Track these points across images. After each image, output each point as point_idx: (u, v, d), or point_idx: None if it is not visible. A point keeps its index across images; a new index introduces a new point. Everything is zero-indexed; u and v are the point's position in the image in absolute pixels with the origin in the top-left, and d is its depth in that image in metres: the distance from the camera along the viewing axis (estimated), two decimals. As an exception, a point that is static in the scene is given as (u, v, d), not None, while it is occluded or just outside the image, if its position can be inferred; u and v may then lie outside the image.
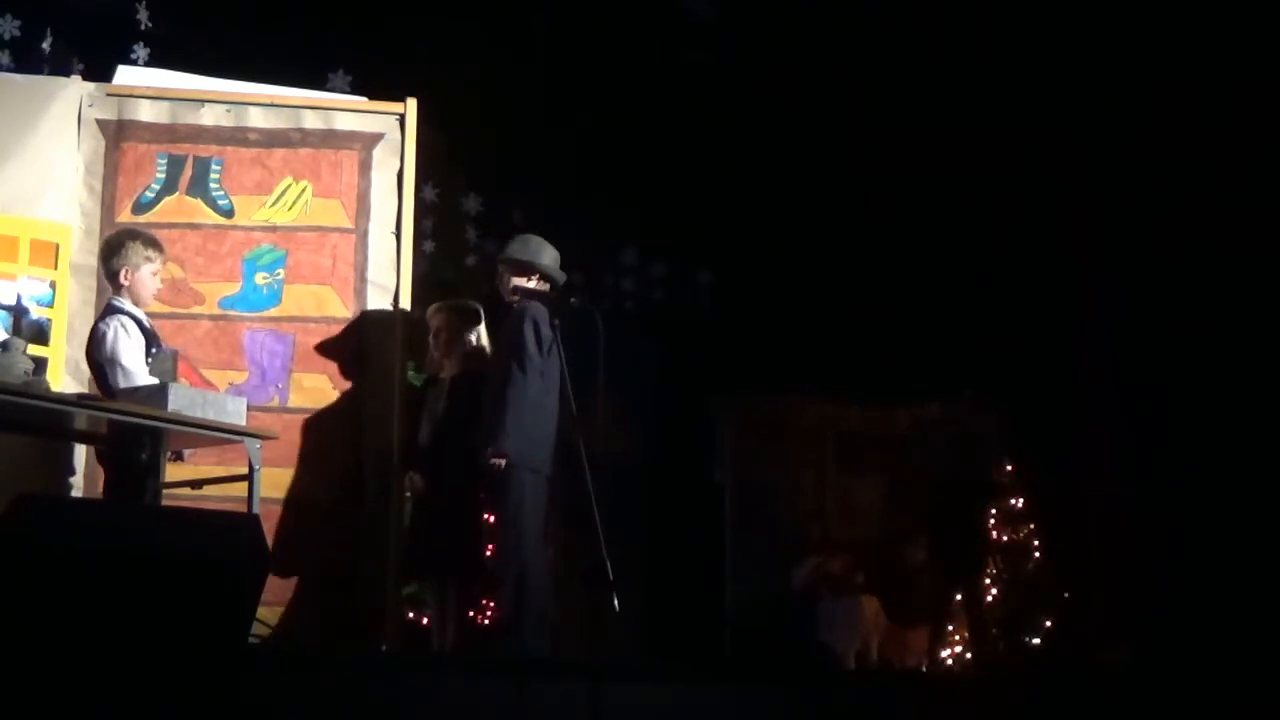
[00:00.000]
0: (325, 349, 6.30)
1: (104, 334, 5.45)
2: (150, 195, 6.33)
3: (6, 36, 7.13)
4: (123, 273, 5.55)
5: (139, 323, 5.51)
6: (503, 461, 5.91)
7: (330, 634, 5.96)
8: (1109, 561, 8.57)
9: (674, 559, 9.03)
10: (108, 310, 5.56)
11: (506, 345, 6.14)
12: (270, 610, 5.66)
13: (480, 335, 6.58)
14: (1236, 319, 8.29)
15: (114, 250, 5.60)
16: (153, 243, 5.65)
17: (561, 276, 6.31)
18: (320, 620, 5.98)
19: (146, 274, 5.58)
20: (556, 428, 6.12)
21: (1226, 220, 8.38)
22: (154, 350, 5.48)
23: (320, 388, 6.28)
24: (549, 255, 6.28)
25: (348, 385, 6.29)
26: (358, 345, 6.33)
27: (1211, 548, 8.08)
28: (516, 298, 6.22)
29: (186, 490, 5.70)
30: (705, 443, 9.59)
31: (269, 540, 4.42)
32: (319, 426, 6.22)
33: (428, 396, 6.56)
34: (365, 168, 6.48)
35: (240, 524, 4.61)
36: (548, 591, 6.09)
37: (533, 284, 6.23)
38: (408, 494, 6.41)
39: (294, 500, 6.11)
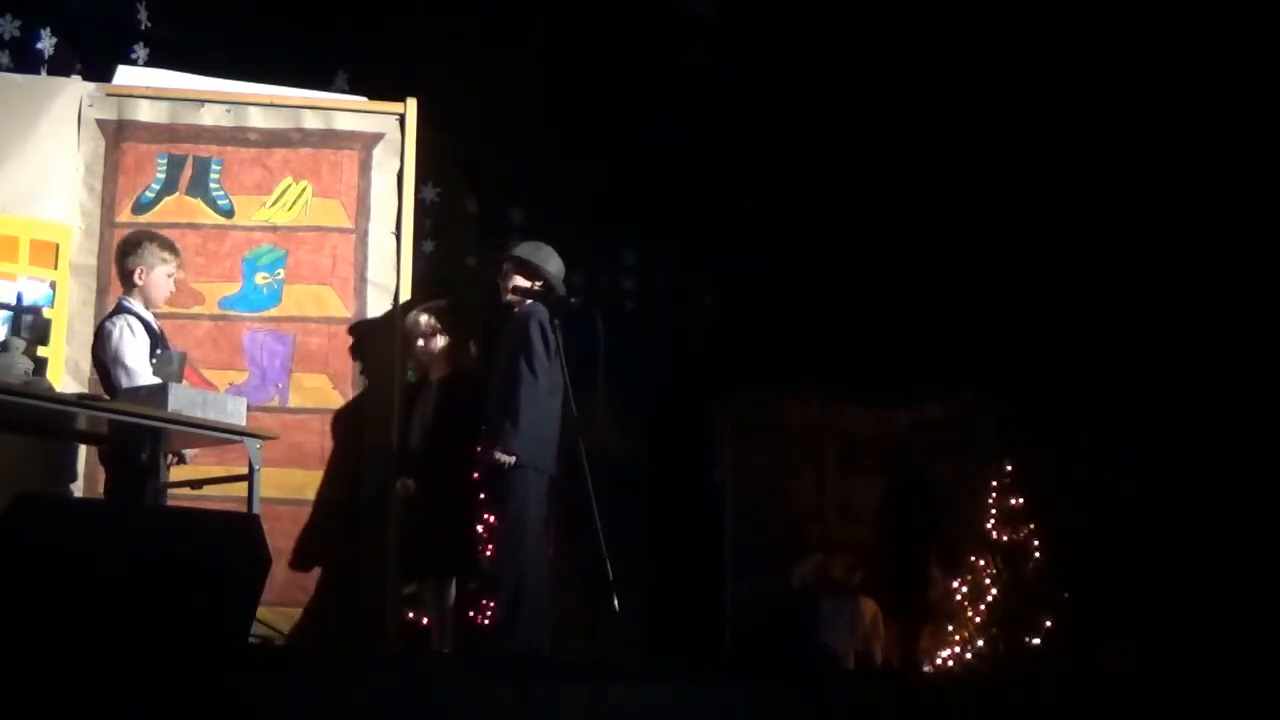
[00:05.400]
0: (325, 349, 6.30)
1: (110, 332, 5.45)
2: (150, 195, 6.33)
3: (6, 36, 7.13)
4: (137, 272, 5.55)
5: (146, 324, 5.52)
6: (512, 460, 5.92)
7: (330, 634, 5.96)
8: (1109, 561, 8.57)
9: (674, 559, 9.02)
10: (117, 309, 5.57)
11: (513, 346, 6.13)
12: (270, 610, 5.66)
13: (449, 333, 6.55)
14: (1236, 318, 8.29)
15: (130, 249, 5.60)
16: (169, 245, 5.66)
17: (562, 290, 6.29)
18: (320, 620, 5.98)
19: (161, 275, 5.59)
20: (560, 428, 6.13)
21: (1226, 219, 8.39)
22: (159, 351, 5.48)
23: (320, 388, 6.28)
24: (556, 265, 6.28)
25: (348, 385, 6.29)
26: (358, 345, 6.33)
27: (1211, 547, 8.08)
28: (517, 298, 6.22)
29: (186, 490, 5.70)
30: (705, 443, 9.59)
31: (268, 540, 4.41)
32: (319, 426, 6.22)
33: (418, 399, 6.55)
34: (365, 168, 6.48)
35: (240, 524, 4.62)
36: (547, 591, 6.10)
37: (531, 287, 6.22)
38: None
39: (294, 500, 6.11)
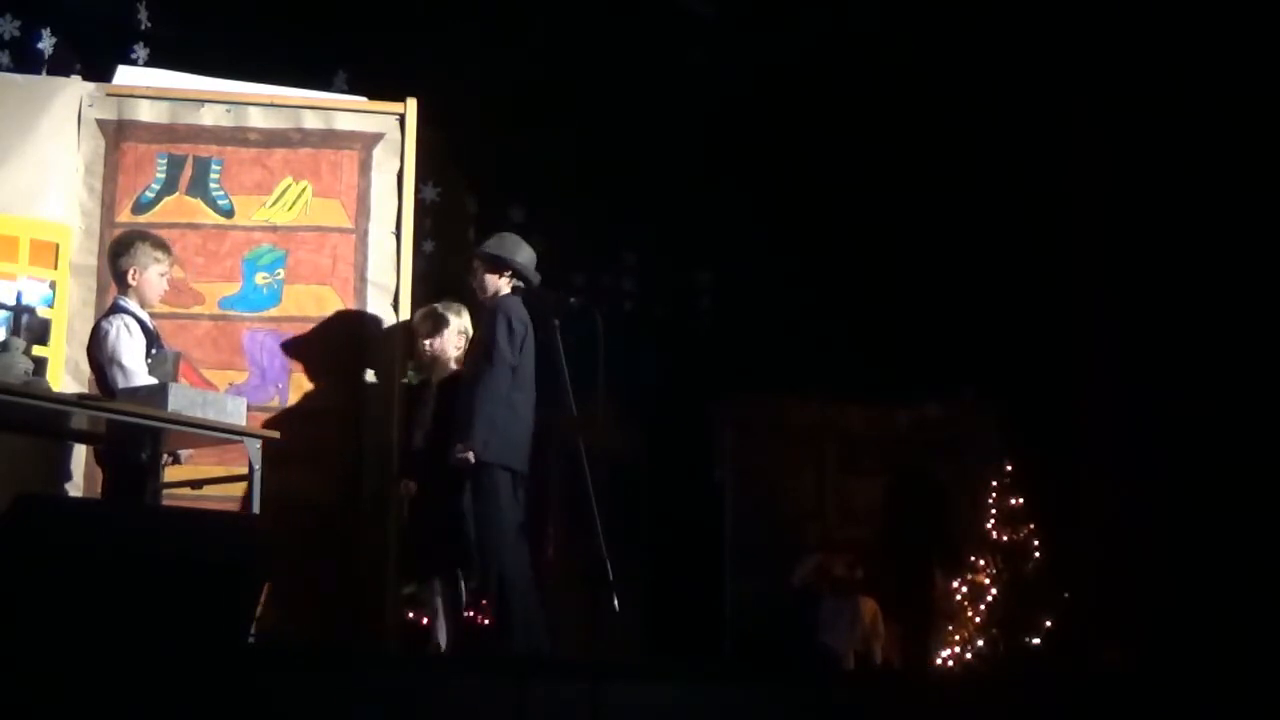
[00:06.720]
0: (325, 349, 6.30)
1: (106, 333, 5.45)
2: (150, 195, 6.33)
3: (6, 36, 7.14)
4: (130, 273, 5.56)
5: (142, 324, 5.52)
6: (470, 456, 5.85)
7: (330, 634, 5.96)
8: (1109, 561, 8.57)
9: (674, 559, 9.03)
10: (112, 309, 5.57)
11: (479, 342, 6.12)
12: (270, 610, 5.65)
13: (467, 334, 6.56)
14: (1236, 318, 8.29)
15: (122, 250, 5.61)
16: (161, 244, 5.67)
17: (536, 277, 6.22)
18: (320, 620, 5.98)
19: (154, 274, 5.59)
20: (532, 424, 6.05)
21: (1226, 219, 8.39)
22: (154, 351, 5.48)
23: (320, 388, 6.28)
24: (525, 254, 6.21)
25: (348, 385, 6.28)
26: (358, 345, 6.33)
27: (1212, 547, 8.08)
28: (487, 294, 6.19)
29: (186, 490, 5.70)
30: (705, 443, 9.59)
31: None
32: (319, 426, 6.22)
33: (419, 400, 6.54)
34: (365, 168, 6.48)
35: (240, 524, 4.62)
36: (534, 587, 6.03)
37: (504, 281, 6.17)
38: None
39: (293, 500, 6.10)
